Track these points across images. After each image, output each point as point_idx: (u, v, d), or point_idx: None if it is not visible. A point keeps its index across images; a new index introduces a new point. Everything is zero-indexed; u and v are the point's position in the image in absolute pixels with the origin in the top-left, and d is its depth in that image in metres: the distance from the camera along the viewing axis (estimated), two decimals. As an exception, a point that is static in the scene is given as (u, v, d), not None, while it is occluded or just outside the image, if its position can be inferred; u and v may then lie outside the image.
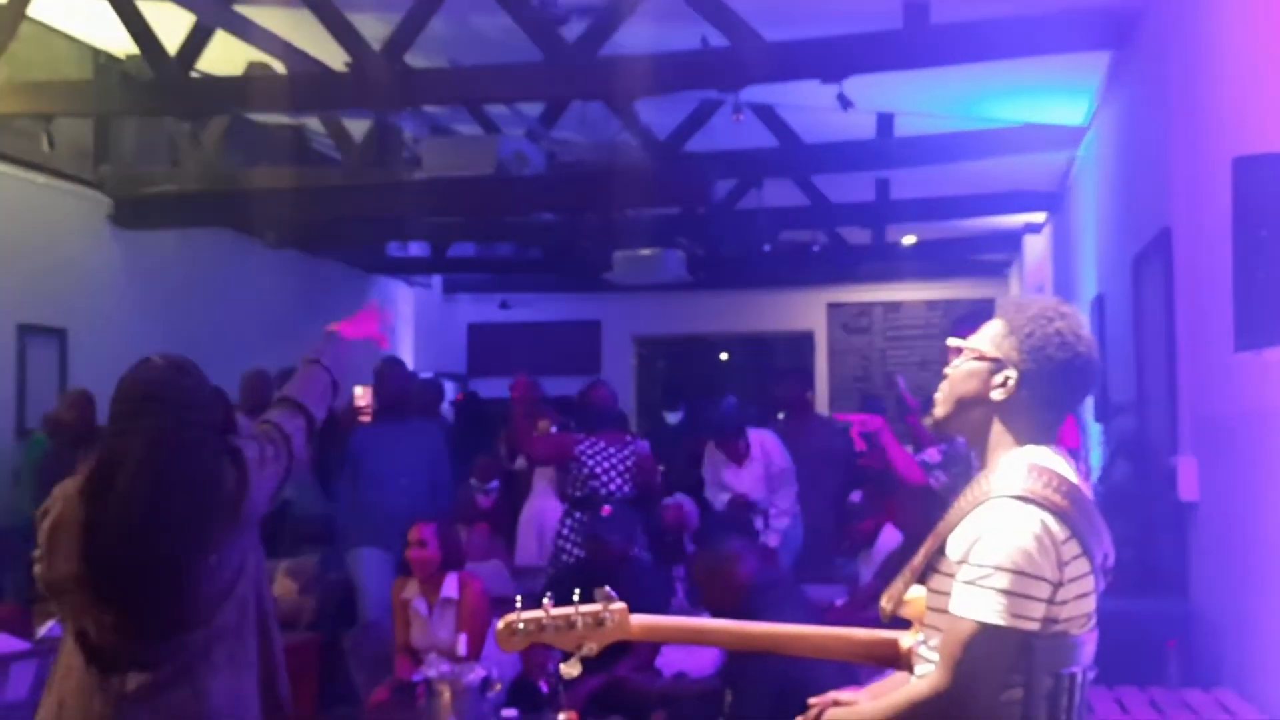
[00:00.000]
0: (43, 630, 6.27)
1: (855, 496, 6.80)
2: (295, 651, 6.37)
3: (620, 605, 2.24)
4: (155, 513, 2.68)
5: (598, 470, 6.18)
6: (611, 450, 6.23)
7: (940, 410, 2.27)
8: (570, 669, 2.19)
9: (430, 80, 6.59)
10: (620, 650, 4.15)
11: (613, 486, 6.14)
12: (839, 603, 5.82)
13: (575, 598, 2.24)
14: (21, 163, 7.84)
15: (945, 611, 2.12)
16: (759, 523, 6.73)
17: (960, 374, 2.25)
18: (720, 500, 6.99)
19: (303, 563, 6.65)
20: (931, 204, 10.03)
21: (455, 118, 8.81)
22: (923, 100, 7.59)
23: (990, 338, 2.23)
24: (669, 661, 4.95)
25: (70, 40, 7.97)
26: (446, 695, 4.16)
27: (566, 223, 10.35)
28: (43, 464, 6.95)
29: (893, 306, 13.99)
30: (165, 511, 2.68)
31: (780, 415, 8.68)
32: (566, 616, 2.23)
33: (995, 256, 12.89)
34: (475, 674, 4.19)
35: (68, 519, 2.75)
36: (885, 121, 8.18)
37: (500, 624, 2.22)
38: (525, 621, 2.21)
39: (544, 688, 4.35)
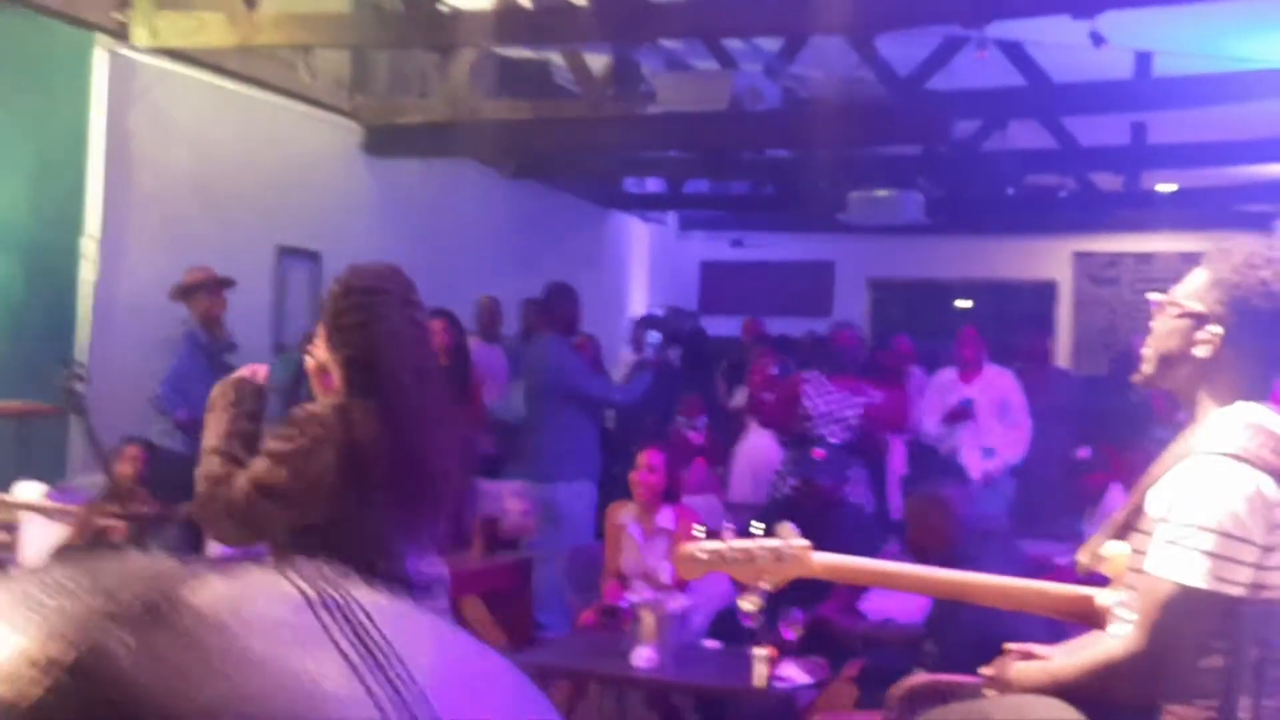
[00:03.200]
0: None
1: (1083, 452, 6.55)
2: (514, 569, 6.68)
3: (802, 542, 2.23)
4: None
5: (814, 413, 6.11)
6: (838, 396, 6.13)
7: (1146, 368, 2.16)
8: (748, 603, 2.21)
9: (669, 13, 6.61)
10: (823, 592, 4.14)
11: (826, 431, 6.06)
12: (1059, 561, 5.63)
13: (757, 530, 2.25)
14: (283, 91, 8.27)
15: (1144, 571, 2.04)
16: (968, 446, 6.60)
17: (1163, 331, 2.14)
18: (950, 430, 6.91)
19: (528, 485, 6.88)
20: (1192, 149, 9.44)
21: (693, 53, 8.81)
22: (1184, 38, 7.14)
23: (1193, 290, 2.11)
24: (879, 608, 4.91)
25: (331, -26, 8.34)
26: (650, 621, 4.25)
27: (801, 160, 10.23)
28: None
29: (1144, 258, 13.29)
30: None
31: (1017, 364, 8.43)
32: (747, 549, 2.24)
33: (1260, 207, 12.05)
34: (679, 603, 4.26)
35: None
36: (1143, 60, 7.73)
37: (680, 551, 2.25)
38: (706, 551, 2.24)
39: (747, 622, 4.38)
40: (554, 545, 6.63)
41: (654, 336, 8.13)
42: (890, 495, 7.30)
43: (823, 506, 5.01)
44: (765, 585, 2.21)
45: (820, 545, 2.35)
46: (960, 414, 6.83)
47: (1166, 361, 2.14)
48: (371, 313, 2.65)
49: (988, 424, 6.89)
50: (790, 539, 2.23)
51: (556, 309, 6.93)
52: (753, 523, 2.31)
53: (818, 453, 5.83)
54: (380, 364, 2.62)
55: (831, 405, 6.11)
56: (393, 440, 2.55)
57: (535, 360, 6.87)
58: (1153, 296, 2.19)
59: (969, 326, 7.46)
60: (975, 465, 6.72)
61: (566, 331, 6.97)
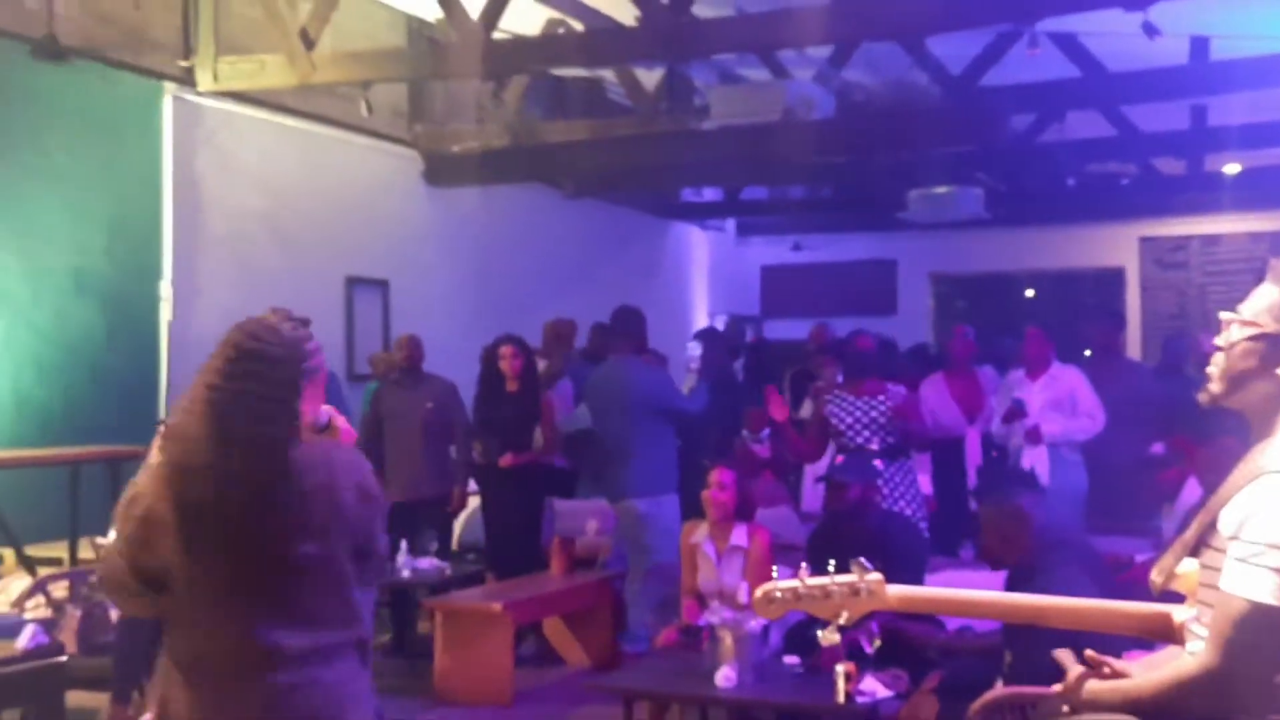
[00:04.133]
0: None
1: (1157, 448, 6.50)
2: (594, 588, 6.76)
3: (876, 576, 2.27)
4: None
5: (842, 427, 6.09)
6: (859, 404, 6.12)
7: (1215, 387, 2.17)
8: (829, 636, 2.25)
9: (717, 29, 6.66)
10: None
11: (860, 439, 6.03)
12: (1139, 559, 5.61)
13: (830, 567, 2.29)
14: (343, 125, 8.44)
15: (1217, 588, 2.06)
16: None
17: (1233, 350, 2.15)
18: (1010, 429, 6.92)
19: (602, 504, 6.95)
20: (1254, 130, 9.31)
21: (744, 63, 8.86)
22: (1240, 21, 7.06)
23: (1267, 308, 2.12)
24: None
25: (385, 8, 8.50)
26: (729, 641, 4.30)
27: (858, 162, 10.23)
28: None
29: (1212, 239, 13.10)
30: None
31: (1087, 353, 8.38)
32: (823, 586, 2.29)
33: (1329, 182, 11.84)
34: (757, 622, 4.31)
35: None
36: (1199, 45, 7.66)
37: (757, 593, 2.30)
38: (782, 590, 2.28)
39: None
40: (644, 560, 6.71)
41: (695, 349, 8.17)
42: (969, 485, 7.35)
43: (853, 510, 4.99)
44: (843, 620, 2.26)
45: (859, 553, 2.39)
46: (1014, 414, 6.86)
47: (1236, 382, 2.14)
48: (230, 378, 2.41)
49: (1049, 418, 6.88)
50: (865, 574, 2.27)
51: (627, 330, 7.06)
52: (801, 564, 2.34)
53: (839, 458, 5.82)
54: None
55: (856, 414, 6.09)
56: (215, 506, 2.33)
57: (614, 381, 6.98)
58: (1225, 316, 2.20)
59: (1033, 327, 7.45)
60: (1030, 459, 6.72)
61: (638, 351, 7.11)
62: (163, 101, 7.25)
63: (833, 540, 4.77)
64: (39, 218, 6.56)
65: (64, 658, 4.64)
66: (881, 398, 6.05)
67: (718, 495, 5.19)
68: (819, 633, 2.26)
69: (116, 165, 7.06)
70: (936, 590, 2.44)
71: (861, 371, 6.30)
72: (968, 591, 2.40)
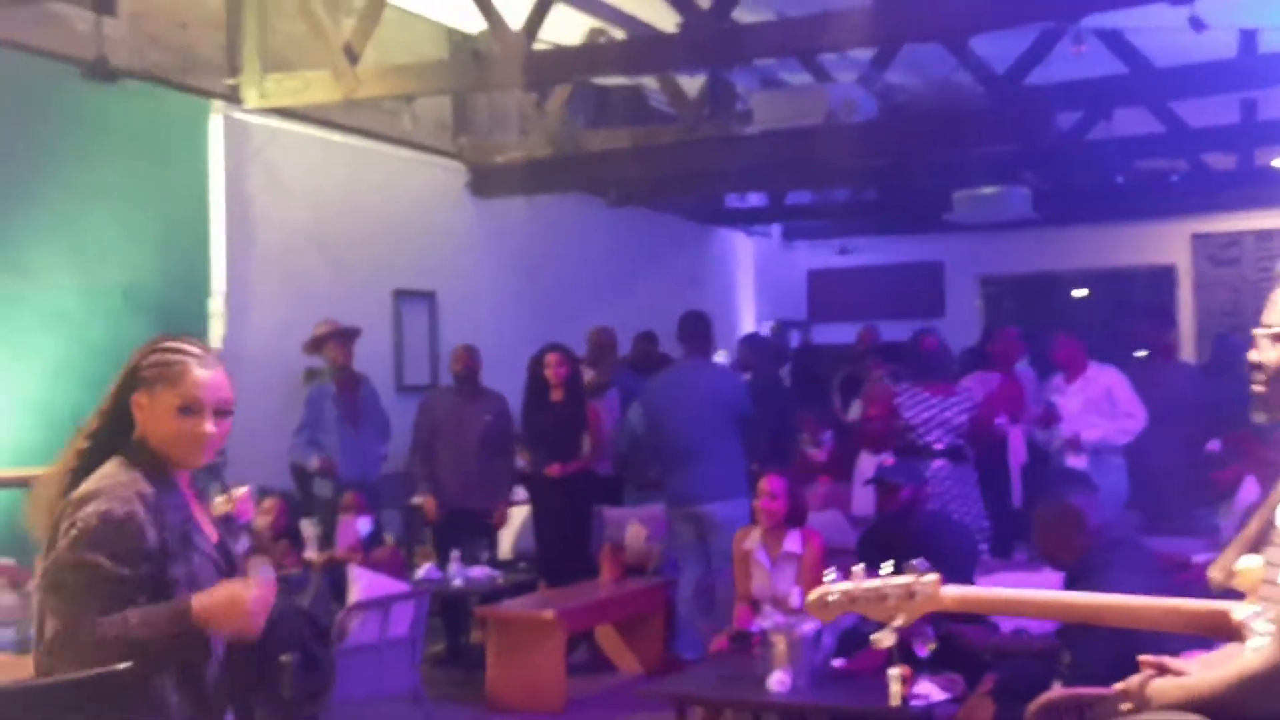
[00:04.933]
0: (420, 572, 6.90)
1: (1214, 445, 6.41)
2: (646, 595, 6.76)
3: (932, 577, 2.25)
4: None
5: (914, 422, 6.05)
6: (934, 401, 6.09)
7: (1269, 407, 2.14)
8: (884, 638, 2.24)
9: (758, 34, 6.64)
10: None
11: (930, 438, 5.99)
12: (1197, 559, 5.52)
13: (883, 569, 2.27)
14: (388, 139, 8.51)
15: (1278, 584, 2.03)
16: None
17: (1274, 365, 2.12)
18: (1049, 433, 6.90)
19: (652, 510, 6.95)
20: (1306, 123, 9.18)
21: (786, 67, 8.84)
22: (1290, 13, 6.96)
23: None
24: (1010, 618, 4.85)
25: (427, 22, 8.56)
26: (781, 646, 4.29)
27: (903, 164, 10.18)
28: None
29: (1265, 235, 12.89)
30: None
31: (1142, 354, 8.30)
32: (878, 588, 2.27)
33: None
34: (809, 626, 4.29)
35: None
36: (1248, 38, 7.55)
37: (811, 596, 2.28)
38: (837, 593, 2.27)
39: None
40: (713, 564, 6.61)
41: (723, 356, 8.09)
42: (1013, 485, 7.28)
43: (903, 511, 4.97)
44: (899, 622, 2.24)
45: (910, 554, 2.37)
46: (1048, 418, 6.84)
47: None
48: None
49: (1089, 421, 6.85)
50: (920, 576, 2.25)
51: (697, 334, 6.99)
52: (852, 569, 2.32)
53: (887, 460, 5.77)
54: None
55: (931, 411, 6.06)
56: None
57: (688, 384, 6.85)
58: (1255, 332, 2.17)
59: (1062, 333, 7.45)
60: (1072, 463, 6.68)
61: (707, 355, 7.08)
62: (210, 119, 7.34)
63: (883, 542, 4.75)
64: (92, 236, 6.65)
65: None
66: (956, 398, 6.03)
67: (768, 504, 5.18)
68: (873, 636, 2.24)
69: (166, 183, 7.15)
70: (992, 590, 2.41)
71: (931, 372, 6.27)
72: (1024, 591, 2.37)
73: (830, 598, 2.29)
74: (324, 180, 8.12)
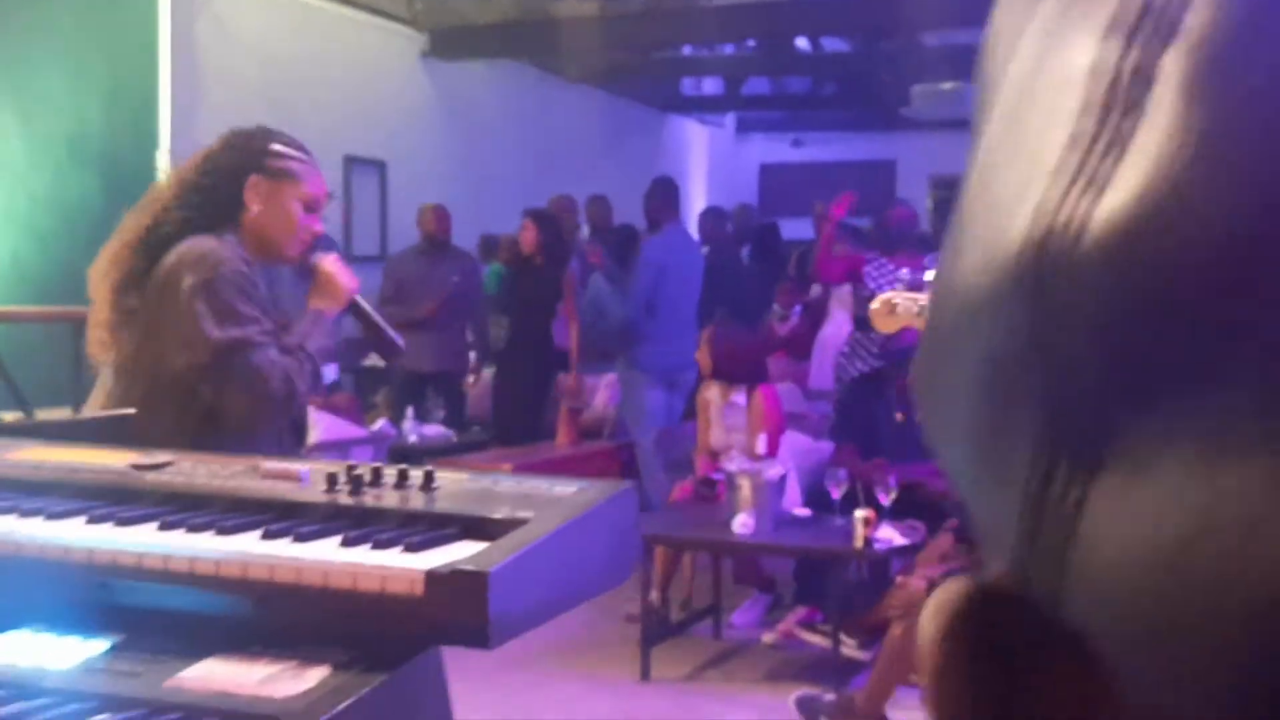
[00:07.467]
0: (375, 426, 6.87)
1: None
2: (604, 455, 6.76)
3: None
4: None
5: (878, 291, 6.01)
6: (901, 272, 6.03)
7: None
8: (863, 515, 2.21)
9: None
10: (917, 454, 4.15)
11: None
12: None
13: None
14: (342, 0, 8.26)
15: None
16: None
17: None
18: None
19: (608, 378, 6.93)
20: None
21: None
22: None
23: None
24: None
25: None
26: (746, 488, 4.29)
27: (862, 54, 10.09)
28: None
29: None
30: None
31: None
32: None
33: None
34: (774, 470, 4.30)
35: None
36: None
37: (876, 303, 2.25)
38: (903, 299, 2.24)
39: (836, 495, 4.39)
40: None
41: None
42: None
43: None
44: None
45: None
46: None
47: None
48: None
49: None
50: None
51: (676, 200, 7.00)
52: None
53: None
54: None
55: (894, 283, 6.00)
56: None
57: (691, 249, 7.03)
58: None
59: None
60: None
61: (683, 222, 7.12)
62: (160, -32, 7.07)
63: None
64: (37, 83, 6.41)
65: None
66: (925, 271, 5.98)
67: (700, 355, 5.24)
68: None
69: (115, 31, 6.89)
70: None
71: (899, 242, 6.23)
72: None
73: (896, 304, 2.25)
74: (274, 37, 7.87)
